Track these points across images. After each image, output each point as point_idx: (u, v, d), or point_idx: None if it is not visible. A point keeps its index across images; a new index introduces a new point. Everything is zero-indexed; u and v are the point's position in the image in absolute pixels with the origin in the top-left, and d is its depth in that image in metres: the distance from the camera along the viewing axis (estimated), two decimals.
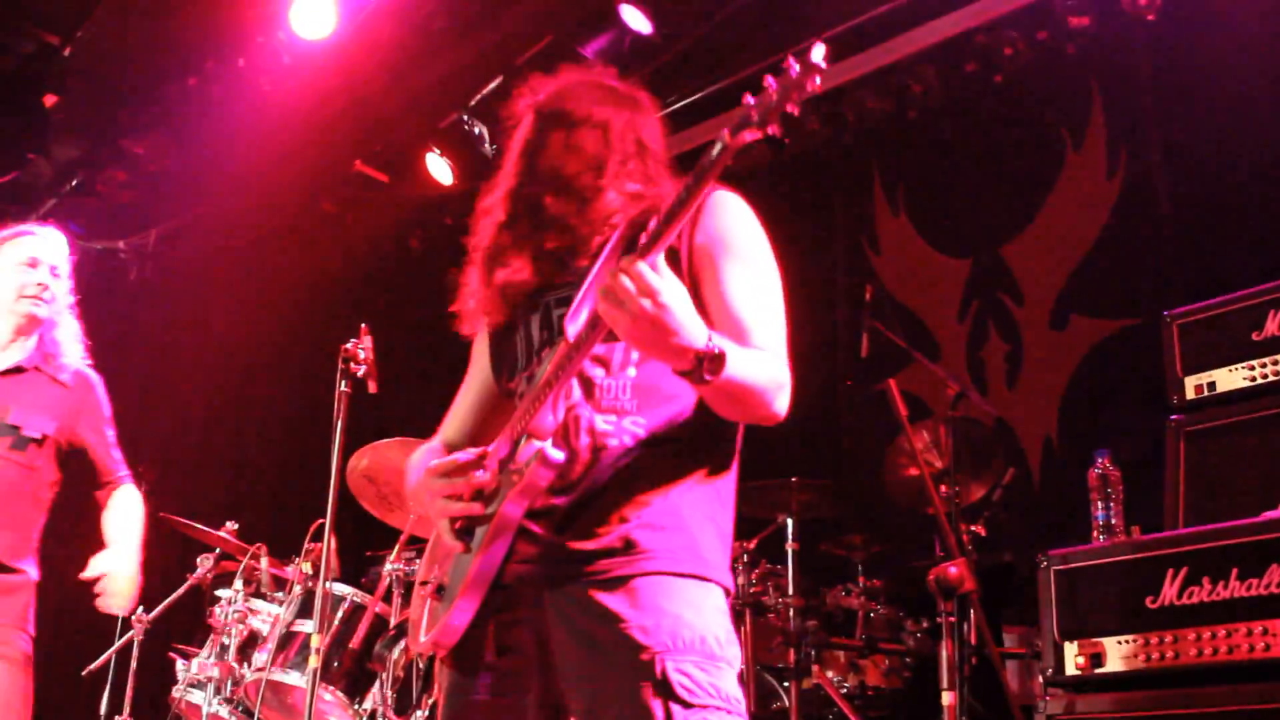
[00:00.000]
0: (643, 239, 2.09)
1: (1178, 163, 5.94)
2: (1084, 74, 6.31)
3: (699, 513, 2.35)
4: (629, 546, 2.28)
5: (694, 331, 2.08)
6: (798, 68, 1.95)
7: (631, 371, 2.35)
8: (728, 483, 2.44)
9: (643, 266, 2.04)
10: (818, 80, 1.94)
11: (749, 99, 2.01)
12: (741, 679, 2.34)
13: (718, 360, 2.10)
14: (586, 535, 2.29)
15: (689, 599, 2.27)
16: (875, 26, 6.42)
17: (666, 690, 2.16)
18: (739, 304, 2.33)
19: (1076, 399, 6.12)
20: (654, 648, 2.19)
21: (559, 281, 2.47)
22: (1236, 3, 5.69)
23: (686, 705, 2.16)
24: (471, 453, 2.36)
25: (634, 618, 2.22)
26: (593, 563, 2.28)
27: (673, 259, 2.33)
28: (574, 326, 2.28)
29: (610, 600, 2.24)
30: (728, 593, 2.36)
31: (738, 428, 2.44)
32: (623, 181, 2.47)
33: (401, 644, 4.53)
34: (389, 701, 4.50)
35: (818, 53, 1.94)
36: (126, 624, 5.36)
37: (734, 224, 2.34)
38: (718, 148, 2.03)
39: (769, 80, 1.99)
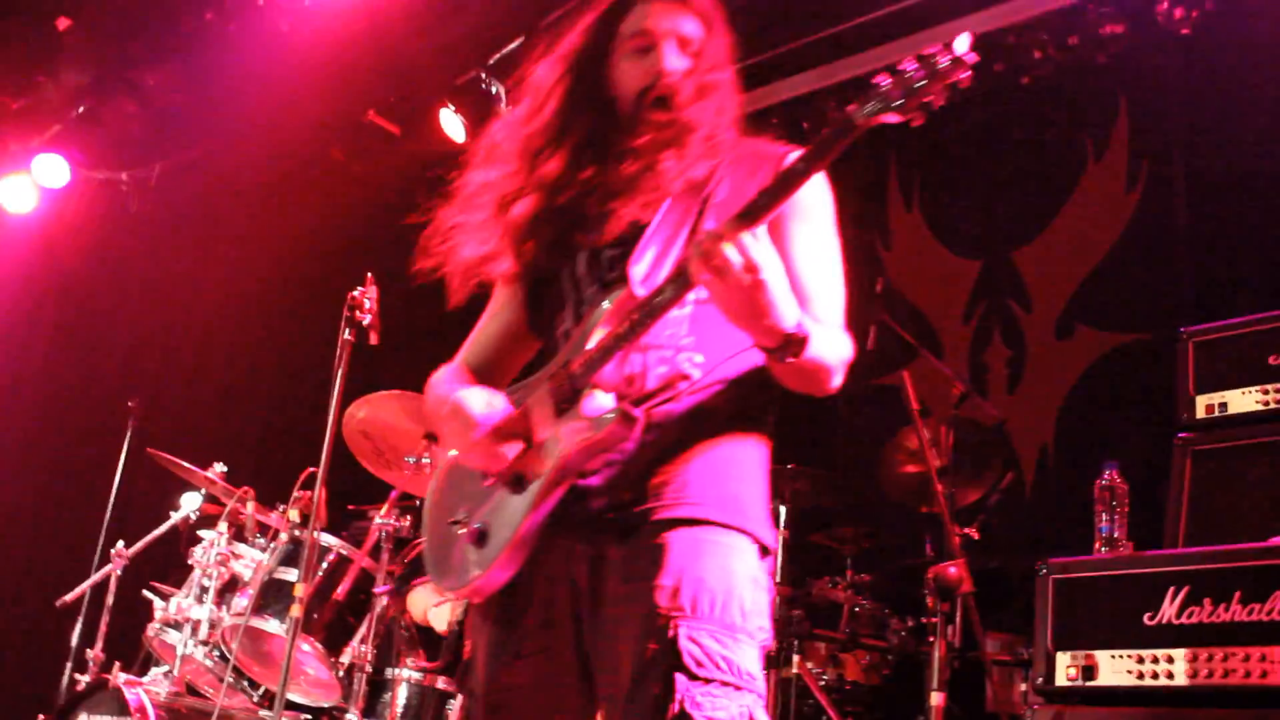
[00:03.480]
0: (747, 206, 2.04)
1: (1198, 182, 5.89)
2: (1112, 84, 6.26)
3: (745, 463, 2.32)
4: (672, 492, 2.23)
5: (786, 312, 2.05)
6: (946, 59, 1.90)
7: (689, 309, 2.28)
8: (766, 436, 2.40)
9: (748, 237, 1.98)
10: (965, 76, 1.90)
11: (885, 79, 1.95)
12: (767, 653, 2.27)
13: (802, 344, 2.07)
14: (631, 484, 2.24)
15: (720, 560, 2.21)
16: (903, 17, 6.36)
17: (675, 657, 2.11)
18: (804, 270, 2.28)
19: (1076, 410, 6.09)
20: (670, 612, 2.14)
21: (608, 223, 2.38)
22: (1269, 22, 5.63)
23: (692, 676, 2.10)
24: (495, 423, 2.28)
25: (659, 576, 2.17)
26: (631, 510, 2.23)
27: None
28: (641, 276, 2.23)
29: (641, 554, 2.20)
30: (765, 550, 2.30)
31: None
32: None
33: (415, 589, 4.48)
34: (368, 657, 4.45)
35: (962, 44, 1.90)
36: (105, 557, 5.31)
37: (808, 186, 2.25)
38: (844, 124, 1.98)
39: (910, 64, 1.93)
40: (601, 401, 2.21)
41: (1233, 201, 5.72)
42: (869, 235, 7.05)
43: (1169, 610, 3.25)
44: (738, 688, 2.14)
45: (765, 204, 2.04)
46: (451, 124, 7.32)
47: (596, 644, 2.24)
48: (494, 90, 7.09)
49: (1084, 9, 6.07)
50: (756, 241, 2.00)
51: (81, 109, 7.59)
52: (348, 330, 4.02)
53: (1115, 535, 3.62)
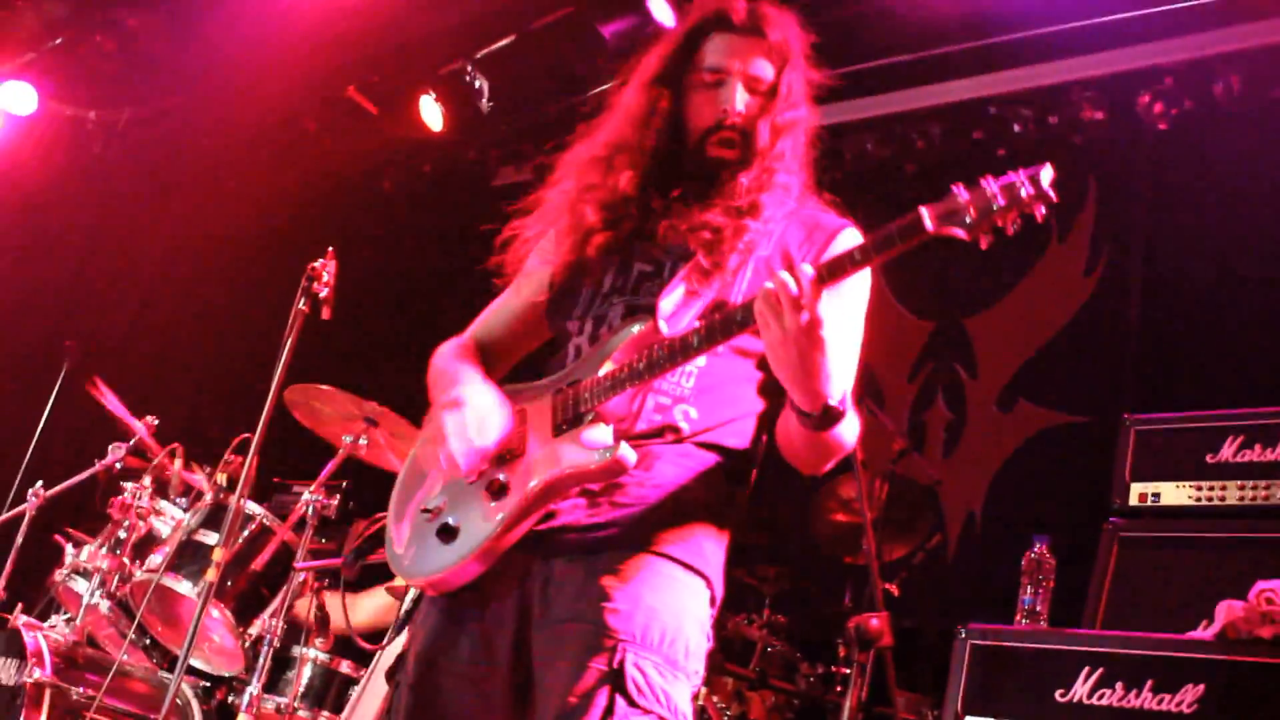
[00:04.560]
0: (830, 263, 2.03)
1: (1154, 274, 6.00)
2: (1084, 168, 6.35)
3: (713, 516, 2.32)
4: (638, 524, 2.23)
5: (836, 381, 2.05)
6: (1030, 190, 1.91)
7: (701, 361, 2.28)
8: (743, 495, 2.41)
9: (824, 294, 1.98)
10: (1042, 211, 1.91)
11: (962, 192, 1.95)
12: (695, 699, 2.28)
13: (838, 418, 2.09)
14: (600, 511, 2.24)
15: (674, 596, 2.22)
16: (891, 74, 6.43)
17: (618, 681, 2.11)
18: (830, 342, 2.26)
19: (1007, 481, 6.15)
20: (620, 635, 2.14)
21: (649, 247, 2.41)
22: (1244, 132, 5.75)
23: (631, 703, 2.11)
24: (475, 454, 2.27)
25: (614, 599, 2.17)
26: (595, 535, 2.23)
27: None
28: (668, 313, 2.24)
29: (598, 575, 2.19)
30: (713, 600, 2.31)
31: (764, 447, 2.41)
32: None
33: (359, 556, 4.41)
34: (277, 631, 4.39)
35: (1047, 176, 1.91)
36: (21, 496, 5.20)
37: None
38: (914, 226, 1.98)
39: (990, 185, 1.93)
40: (602, 435, 2.21)
41: (1185, 297, 5.83)
42: None
43: (1081, 690, 3.28)
44: None
45: (850, 265, 2.03)
46: (430, 112, 7.29)
47: (536, 659, 2.23)
48: (477, 84, 7.07)
49: (1068, 90, 6.16)
50: (826, 301, 1.99)
51: (59, 40, 7.46)
52: (303, 300, 3.97)
53: (1037, 609, 3.66)
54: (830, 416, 2.08)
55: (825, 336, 1.98)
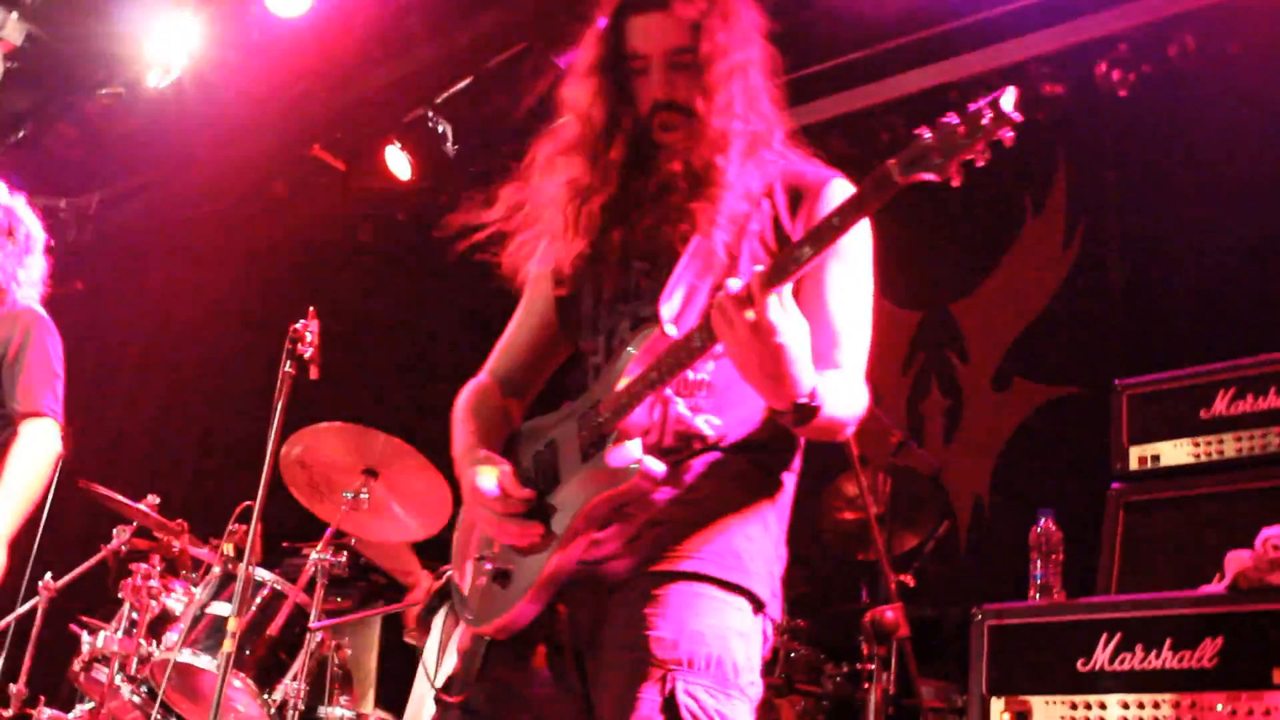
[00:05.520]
0: (774, 265, 1.96)
1: (1133, 239, 6.02)
2: (1051, 142, 6.38)
3: (750, 519, 2.29)
4: (674, 544, 2.23)
5: (800, 379, 2.00)
6: (990, 115, 1.81)
7: (710, 366, 2.25)
8: (785, 496, 2.39)
9: (773, 300, 1.94)
10: (1009, 134, 1.82)
11: (926, 133, 1.86)
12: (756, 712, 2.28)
13: (813, 413, 2.04)
14: (638, 534, 2.24)
15: (716, 619, 2.20)
16: (850, 71, 6.46)
17: (673, 710, 2.11)
18: (835, 312, 2.26)
19: (1011, 460, 6.17)
20: (669, 664, 2.14)
21: (639, 243, 2.36)
22: (1204, 89, 5.78)
23: None
24: (515, 504, 2.27)
25: (659, 628, 2.16)
26: (636, 561, 2.23)
27: (781, 242, 2.28)
28: (672, 315, 2.21)
29: (639, 604, 2.19)
30: (759, 606, 2.28)
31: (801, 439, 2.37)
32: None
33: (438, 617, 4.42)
34: (301, 694, 4.39)
35: (1008, 100, 1.81)
36: (32, 590, 5.20)
37: None
38: (883, 181, 1.90)
39: (952, 119, 1.84)
40: (630, 451, 2.18)
41: (1165, 257, 5.85)
42: None
43: (1101, 657, 3.29)
44: None
45: (794, 262, 1.96)
46: (397, 161, 7.32)
47: (594, 689, 2.23)
48: (440, 129, 7.11)
49: (1026, 67, 6.18)
50: (781, 304, 1.95)
51: (22, 134, 7.49)
52: (288, 363, 3.99)
53: (1049, 583, 3.67)
54: (804, 412, 2.04)
55: (782, 343, 1.94)
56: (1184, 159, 5.86)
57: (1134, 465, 3.94)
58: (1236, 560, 3.16)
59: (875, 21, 6.14)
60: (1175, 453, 3.88)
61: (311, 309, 4.14)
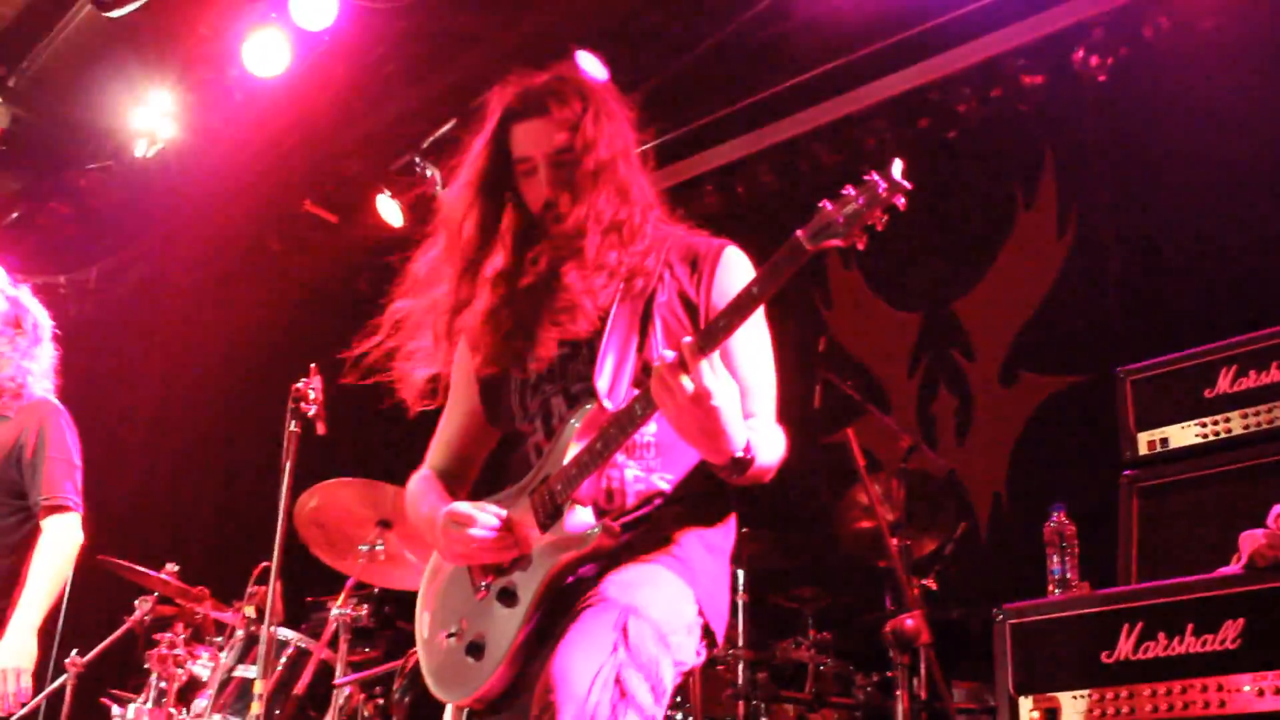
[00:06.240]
0: (703, 335, 2.15)
1: (1126, 223, 6.01)
2: (1036, 133, 6.39)
3: (703, 545, 2.47)
4: (634, 557, 2.39)
5: (736, 436, 2.19)
6: (884, 185, 2.01)
7: (652, 427, 2.42)
8: (730, 524, 2.56)
9: (704, 366, 2.11)
10: (901, 200, 2.01)
11: (828, 205, 2.06)
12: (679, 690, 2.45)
13: (749, 465, 2.24)
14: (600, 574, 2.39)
15: (669, 593, 2.35)
16: (830, 80, 6.47)
17: (624, 636, 2.23)
18: (745, 368, 2.43)
19: (1025, 455, 6.15)
20: (622, 604, 2.27)
21: (562, 329, 2.50)
22: (1184, 69, 5.78)
23: (631, 656, 2.22)
24: (494, 516, 2.42)
25: (617, 584, 2.32)
26: (599, 569, 2.38)
27: (689, 310, 2.47)
28: (606, 389, 2.38)
29: (599, 580, 2.35)
30: (701, 613, 2.41)
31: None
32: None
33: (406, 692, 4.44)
34: None
35: (898, 169, 2.01)
36: (59, 668, 5.20)
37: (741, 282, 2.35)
38: (794, 251, 2.09)
39: (851, 191, 2.04)
40: (583, 518, 2.36)
41: (1159, 239, 5.83)
42: (810, 295, 7.12)
43: (1125, 647, 3.27)
44: (653, 688, 2.24)
45: (721, 330, 2.15)
46: (389, 209, 7.35)
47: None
48: (429, 173, 7.13)
49: (1003, 62, 6.20)
50: (713, 369, 2.13)
51: (15, 215, 7.55)
52: (293, 423, 4.00)
53: (1067, 576, 3.65)
54: (741, 465, 2.23)
55: (717, 405, 2.12)
56: (1168, 137, 5.85)
57: (1143, 450, 3.91)
58: (1251, 539, 3.14)
59: (852, 29, 6.17)
60: (1183, 434, 3.85)
61: (313, 365, 4.15)
